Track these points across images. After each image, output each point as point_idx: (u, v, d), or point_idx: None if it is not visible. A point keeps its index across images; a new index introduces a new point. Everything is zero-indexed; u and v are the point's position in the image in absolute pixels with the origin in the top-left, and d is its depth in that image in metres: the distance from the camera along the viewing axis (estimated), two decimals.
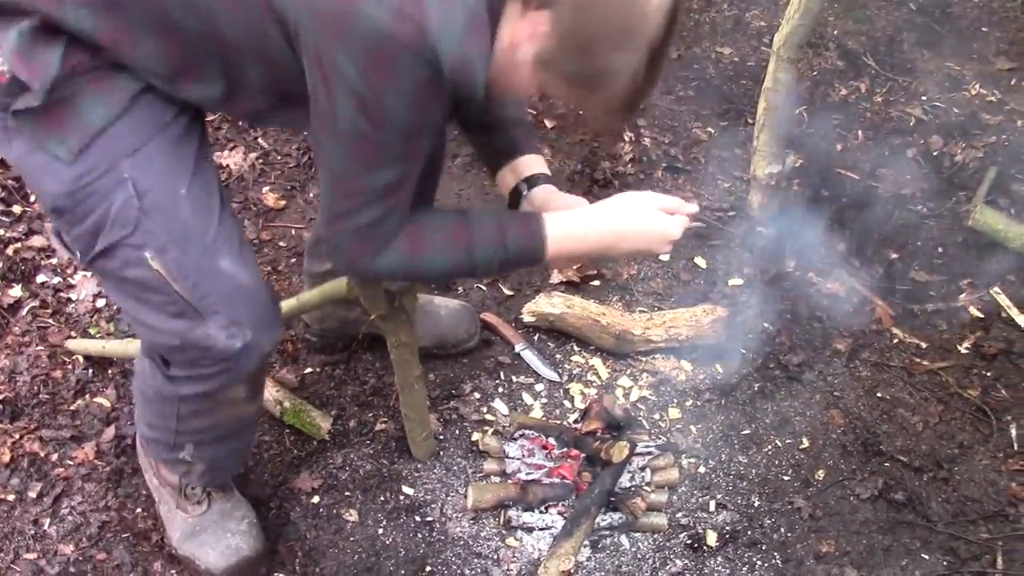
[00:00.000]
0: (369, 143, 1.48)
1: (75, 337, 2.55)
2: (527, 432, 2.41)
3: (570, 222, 1.73)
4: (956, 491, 2.37)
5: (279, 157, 3.21)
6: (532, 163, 1.95)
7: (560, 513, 2.25)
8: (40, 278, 2.75)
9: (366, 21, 1.34)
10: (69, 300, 2.68)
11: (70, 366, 2.51)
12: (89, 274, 2.67)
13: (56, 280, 2.75)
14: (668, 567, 2.17)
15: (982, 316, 2.84)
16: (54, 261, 2.80)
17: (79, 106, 1.53)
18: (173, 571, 2.12)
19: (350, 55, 1.38)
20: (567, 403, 2.54)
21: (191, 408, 1.84)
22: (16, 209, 2.91)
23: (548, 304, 2.67)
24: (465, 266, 1.69)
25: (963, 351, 2.73)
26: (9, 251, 2.80)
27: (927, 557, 2.22)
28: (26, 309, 2.64)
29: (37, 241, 2.83)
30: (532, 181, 1.93)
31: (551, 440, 2.39)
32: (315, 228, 2.47)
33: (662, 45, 1.42)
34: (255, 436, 2.14)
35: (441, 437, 2.42)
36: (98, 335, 2.57)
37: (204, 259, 1.63)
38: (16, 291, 2.69)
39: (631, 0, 1.38)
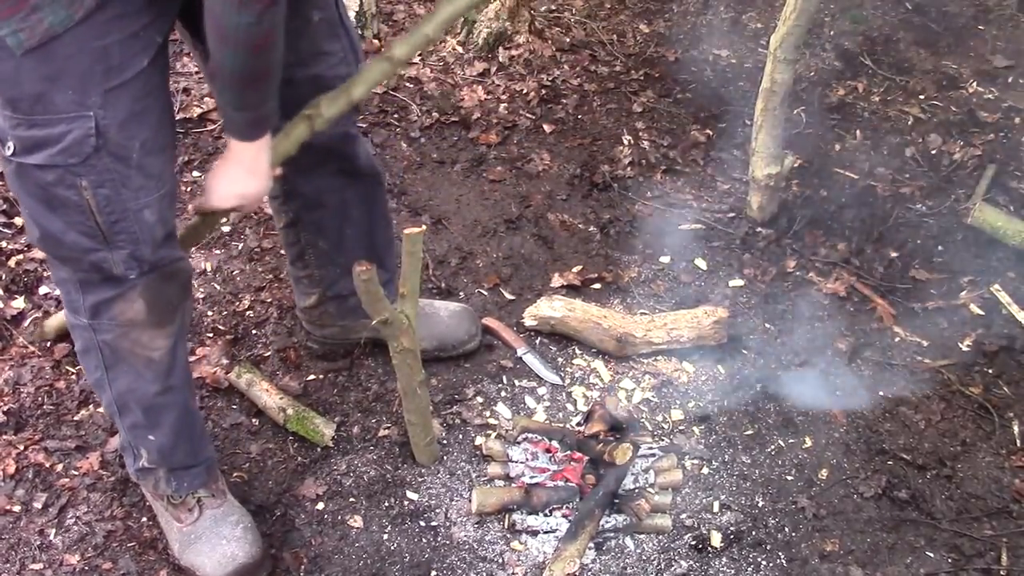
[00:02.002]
0: None
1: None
2: (530, 436, 2.41)
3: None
4: (960, 488, 2.37)
5: None
6: None
7: (564, 516, 2.25)
8: (42, 289, 2.76)
9: None
10: None
11: (73, 376, 2.52)
12: None
13: (58, 291, 2.75)
14: (673, 568, 2.17)
15: (983, 313, 2.84)
16: None
17: (37, 2, 1.51)
18: None
19: None
20: (570, 406, 2.54)
21: (109, 347, 1.88)
22: (18, 221, 2.92)
23: (549, 308, 2.67)
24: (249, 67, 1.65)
25: (964, 349, 2.74)
26: (11, 263, 2.82)
27: (932, 555, 2.23)
28: (29, 320, 2.64)
29: (39, 253, 2.84)
30: None
31: (554, 443, 2.39)
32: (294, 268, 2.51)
33: None
34: (198, 426, 2.11)
35: (444, 442, 2.42)
36: None
37: (132, 204, 1.69)
38: (19, 303, 2.70)
39: None
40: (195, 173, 3.23)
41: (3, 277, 2.76)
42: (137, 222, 1.71)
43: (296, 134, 1.87)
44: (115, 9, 1.56)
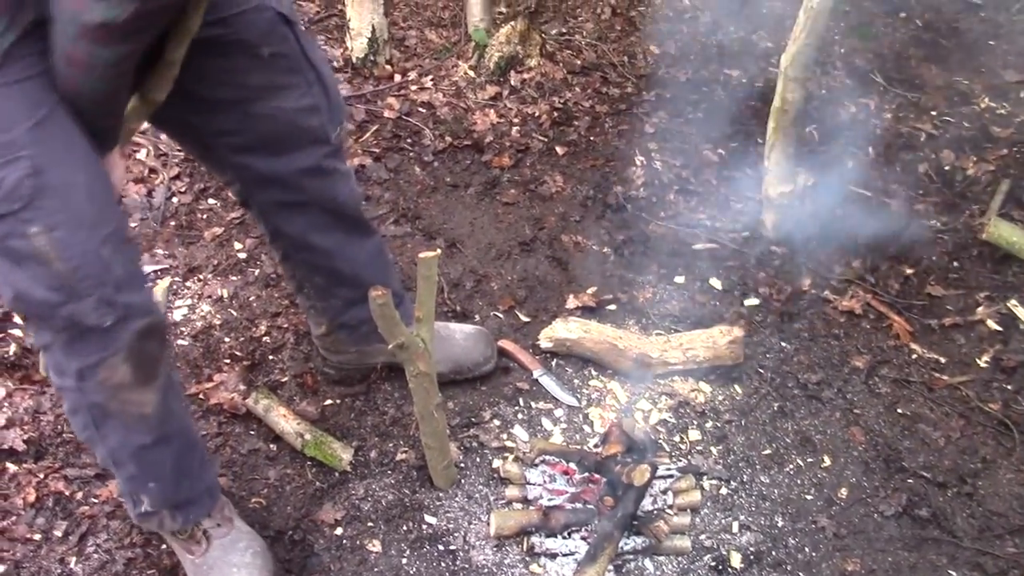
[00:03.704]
0: None
1: None
2: (548, 458, 2.41)
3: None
4: (981, 506, 2.36)
5: None
6: None
7: (583, 538, 2.24)
8: None
9: None
10: None
11: None
12: None
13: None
14: None
15: (1000, 329, 2.83)
16: None
17: None
18: None
19: None
20: (587, 428, 2.54)
21: (99, 407, 1.84)
22: None
23: (565, 329, 2.68)
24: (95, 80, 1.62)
25: (982, 365, 2.72)
26: None
27: (954, 573, 2.21)
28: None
29: None
30: None
31: (572, 465, 2.39)
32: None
33: None
34: (198, 459, 2.07)
35: (462, 465, 2.42)
36: None
37: (89, 243, 1.65)
38: None
39: None
40: (211, 200, 3.25)
41: None
42: (98, 262, 1.67)
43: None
44: (28, 48, 1.55)
